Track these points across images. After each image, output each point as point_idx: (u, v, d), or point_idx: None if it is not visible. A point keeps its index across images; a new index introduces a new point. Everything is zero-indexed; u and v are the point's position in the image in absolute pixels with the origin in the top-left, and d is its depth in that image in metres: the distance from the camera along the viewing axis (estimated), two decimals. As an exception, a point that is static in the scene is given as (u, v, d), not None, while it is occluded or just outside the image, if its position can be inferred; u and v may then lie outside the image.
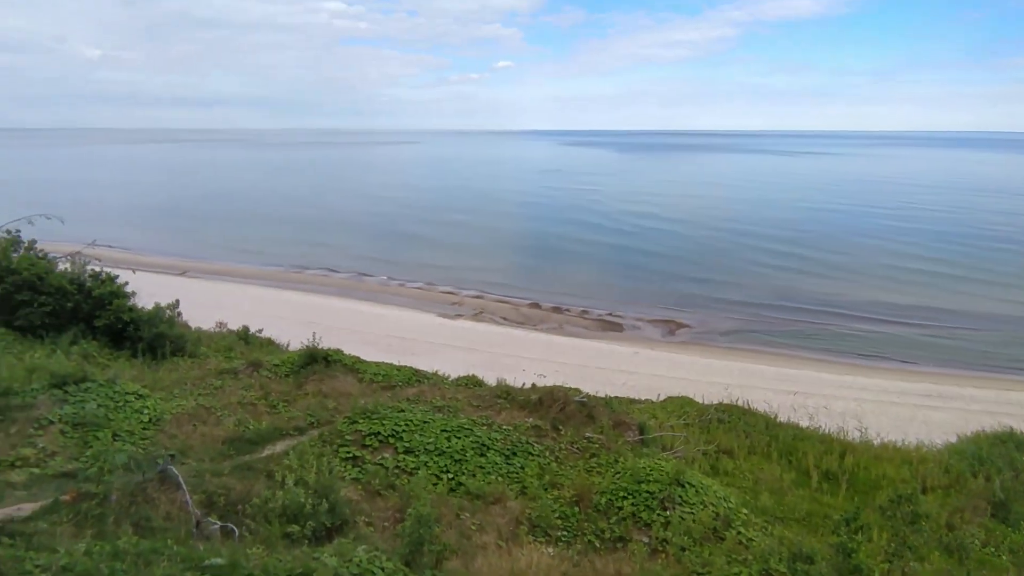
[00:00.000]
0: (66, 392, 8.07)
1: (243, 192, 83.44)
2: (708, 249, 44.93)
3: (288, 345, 14.87)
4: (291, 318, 24.38)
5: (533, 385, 11.15)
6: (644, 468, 7.42)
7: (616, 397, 13.53)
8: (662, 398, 14.86)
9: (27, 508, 5.44)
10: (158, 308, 11.90)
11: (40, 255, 11.32)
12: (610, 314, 30.24)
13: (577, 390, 10.95)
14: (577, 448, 8.47)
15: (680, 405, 13.56)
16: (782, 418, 12.61)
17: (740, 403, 13.35)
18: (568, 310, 30.90)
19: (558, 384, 11.58)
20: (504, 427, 8.51)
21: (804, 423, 12.69)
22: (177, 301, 12.82)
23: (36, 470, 6.55)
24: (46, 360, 9.17)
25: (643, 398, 15.38)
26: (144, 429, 8.04)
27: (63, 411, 7.64)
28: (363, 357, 12.42)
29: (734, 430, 11.31)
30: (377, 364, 11.88)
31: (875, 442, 11.58)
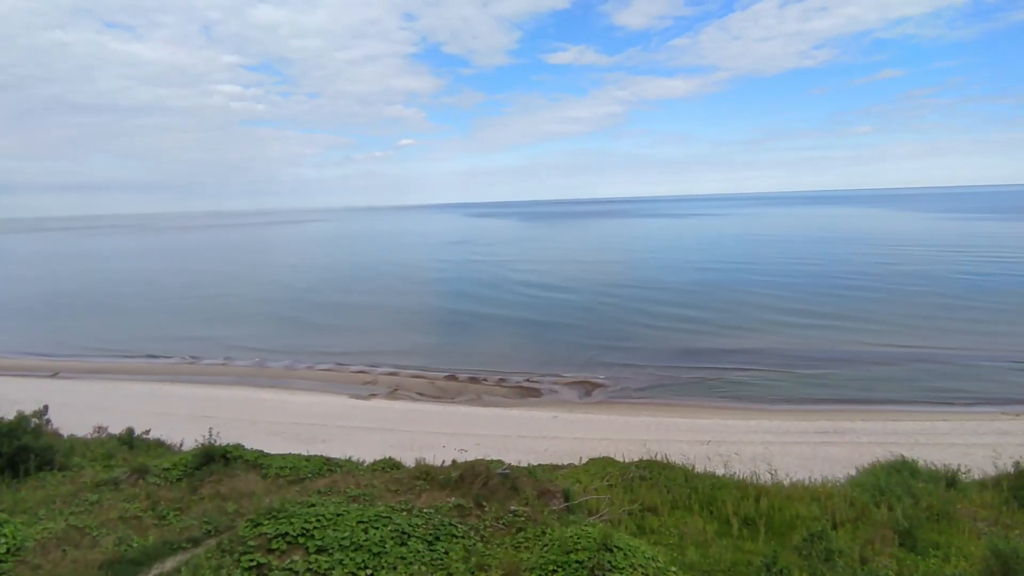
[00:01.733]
0: None
1: (125, 281, 77.48)
2: (610, 310, 46.84)
3: (181, 445, 13.57)
4: (184, 414, 22.37)
5: (454, 462, 10.76)
6: (571, 537, 7.24)
7: (539, 465, 13.36)
8: (584, 461, 14.82)
9: None
10: (21, 417, 10.51)
11: None
12: (527, 380, 30.29)
13: (500, 462, 10.70)
14: (503, 524, 8.16)
15: (602, 466, 13.56)
16: (699, 468, 12.92)
17: (659, 458, 13.58)
18: (485, 379, 30.62)
19: (480, 458, 11.28)
20: (425, 510, 8.07)
21: (720, 471, 13.07)
22: (45, 407, 11.43)
23: None
24: None
25: (566, 463, 15.28)
26: (1, 562, 6.87)
27: None
28: (268, 450, 11.52)
29: (656, 486, 11.41)
30: (283, 456, 11.04)
31: (785, 483, 12.09)
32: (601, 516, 9.33)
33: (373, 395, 28.13)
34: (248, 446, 11.26)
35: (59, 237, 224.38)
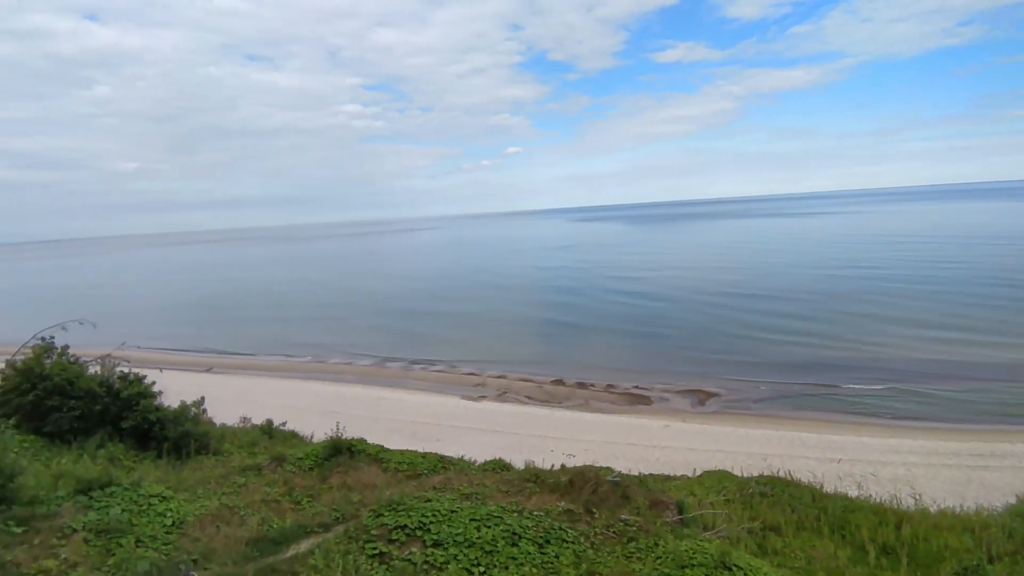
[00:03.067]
0: (91, 498, 8.00)
1: (264, 286, 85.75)
2: (722, 320, 44.13)
3: (312, 437, 14.73)
4: (314, 409, 24.30)
5: (563, 466, 10.77)
6: (687, 551, 6.98)
7: (650, 474, 13.01)
8: (698, 473, 14.23)
9: (47, 625, 5.25)
10: (183, 406, 11.96)
11: (72, 360, 11.58)
12: (636, 387, 29.62)
13: (609, 469, 10.55)
14: (613, 532, 8.04)
15: (718, 479, 12.94)
16: (828, 488, 11.93)
17: (782, 474, 12.72)
18: (593, 385, 30.35)
19: (589, 464, 11.19)
20: (535, 513, 8.15)
21: (853, 493, 11.97)
22: (202, 398, 12.90)
23: (58, 583, 6.39)
24: (72, 466, 9.17)
25: (679, 474, 14.75)
26: (167, 533, 7.86)
27: (87, 518, 7.54)
28: (387, 445, 12.20)
29: (779, 504, 10.69)
30: (402, 452, 11.65)
31: (932, 509, 10.84)
32: (718, 532, 8.90)
33: (483, 397, 28.87)
34: (370, 441, 12.03)
35: (210, 248, 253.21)
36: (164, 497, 8.59)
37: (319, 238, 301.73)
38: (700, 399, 27.57)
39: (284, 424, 15.11)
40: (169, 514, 8.22)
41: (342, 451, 10.77)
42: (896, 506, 10.81)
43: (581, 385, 30.48)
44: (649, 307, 51.12)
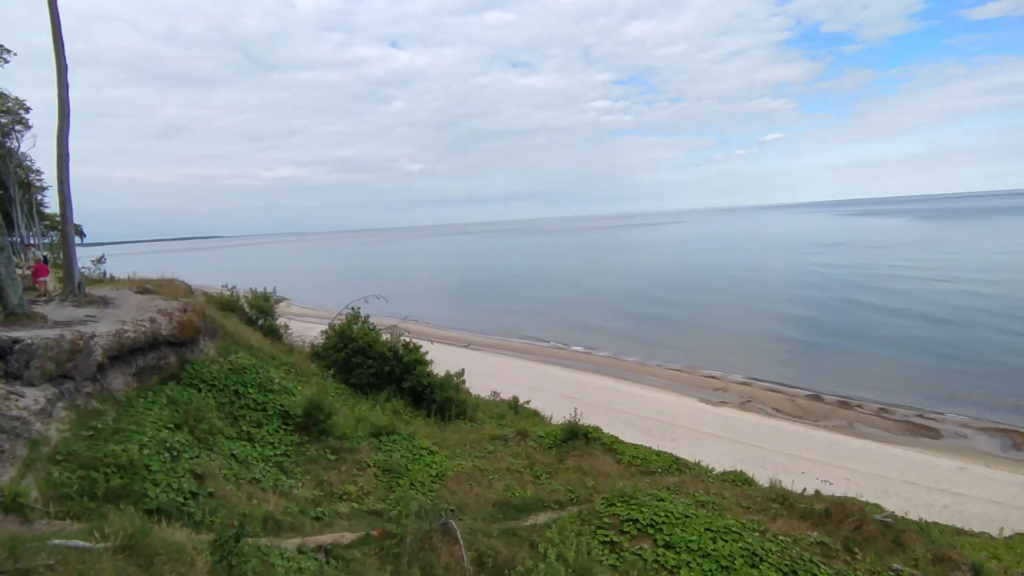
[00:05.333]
0: (380, 441, 9.76)
1: (517, 274, 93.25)
2: None
3: (551, 418, 15.65)
4: (553, 392, 25.67)
5: (817, 492, 9.59)
6: (985, 627, 5.64)
7: (935, 523, 10.79)
8: (1007, 534, 11.32)
9: (348, 537, 6.58)
10: (448, 376, 13.77)
11: (371, 327, 14.21)
12: (920, 415, 24.70)
13: (877, 506, 9.08)
14: (879, 580, 6.90)
15: (1037, 548, 10.14)
16: None
17: None
18: (860, 406, 26.21)
19: (849, 495, 9.76)
20: (780, 538, 7.43)
21: None
22: (462, 370, 14.66)
23: (356, 505, 7.96)
24: (368, 413, 11.27)
25: (976, 530, 11.95)
26: (432, 482, 9.19)
27: (377, 457, 9.23)
28: (620, 437, 12.34)
29: None
30: (635, 446, 11.67)
31: None
32: (1035, 614, 7.00)
33: (723, 403, 27.15)
34: (604, 430, 12.30)
35: (472, 239, 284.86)
36: (431, 451, 10.04)
37: (564, 231, 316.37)
38: (1015, 442, 21.79)
39: (528, 402, 16.36)
40: (434, 466, 9.59)
41: (578, 436, 11.23)
42: None
43: (844, 404, 26.56)
44: (941, 320, 41.74)
